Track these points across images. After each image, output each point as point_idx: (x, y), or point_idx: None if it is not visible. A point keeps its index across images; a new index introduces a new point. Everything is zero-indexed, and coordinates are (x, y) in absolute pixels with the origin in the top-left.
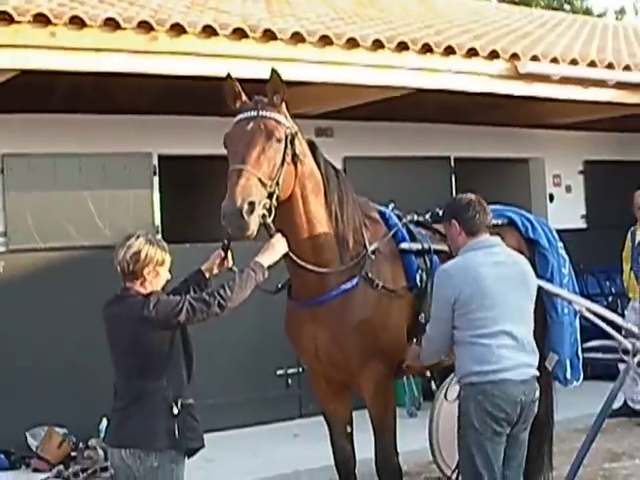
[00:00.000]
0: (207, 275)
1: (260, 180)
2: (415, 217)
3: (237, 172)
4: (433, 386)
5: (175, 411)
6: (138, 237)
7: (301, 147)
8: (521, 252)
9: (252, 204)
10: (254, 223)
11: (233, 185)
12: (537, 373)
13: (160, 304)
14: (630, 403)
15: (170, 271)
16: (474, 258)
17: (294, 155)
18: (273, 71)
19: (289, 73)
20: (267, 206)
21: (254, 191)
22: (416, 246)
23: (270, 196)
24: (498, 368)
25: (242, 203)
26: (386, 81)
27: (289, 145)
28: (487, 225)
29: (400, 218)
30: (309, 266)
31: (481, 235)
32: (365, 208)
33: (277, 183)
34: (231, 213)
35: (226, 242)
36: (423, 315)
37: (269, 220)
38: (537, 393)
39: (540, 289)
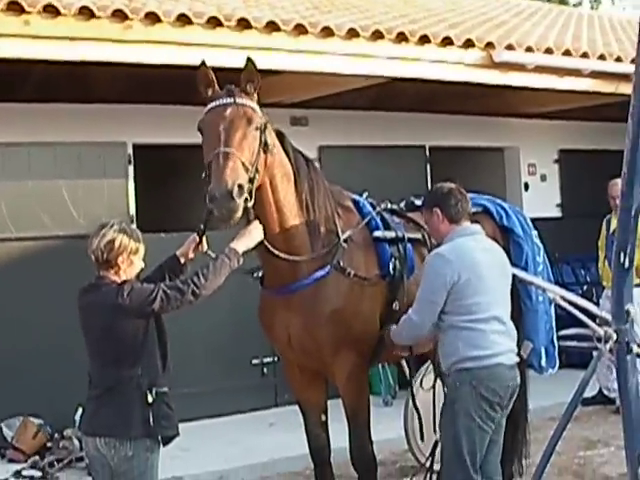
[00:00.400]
0: (182, 260)
1: (243, 164)
2: (389, 205)
3: (223, 155)
4: (407, 374)
5: (150, 399)
6: (112, 226)
7: (271, 137)
8: (496, 240)
9: (241, 187)
10: (241, 206)
11: (221, 167)
12: (518, 359)
13: (134, 292)
14: (605, 391)
15: (144, 260)
16: (466, 243)
17: (265, 144)
18: (248, 60)
19: (264, 62)
20: (249, 190)
21: (241, 174)
22: (390, 234)
23: (251, 181)
24: (493, 353)
25: (232, 185)
26: (361, 70)
27: (262, 134)
28: (468, 213)
29: (374, 206)
30: (281, 254)
31: (463, 223)
32: (338, 197)
33: (256, 169)
34: (222, 195)
35: (202, 227)
36: (397, 303)
37: (250, 204)
38: (519, 378)
39: (514, 277)
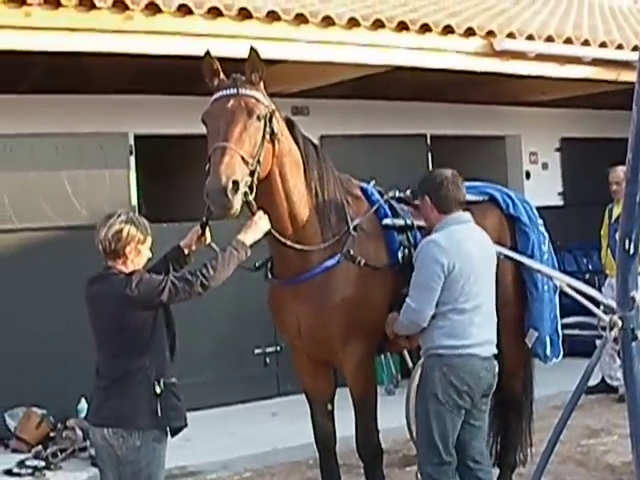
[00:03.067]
0: (186, 251)
1: (243, 158)
2: (397, 193)
3: (221, 150)
4: (410, 364)
5: (158, 390)
6: (119, 216)
7: (279, 125)
8: (502, 229)
9: (236, 183)
10: (238, 202)
11: (217, 163)
12: (496, 350)
13: (142, 283)
14: (608, 380)
15: (151, 249)
16: (458, 232)
17: (272, 133)
18: (252, 49)
19: (265, 51)
20: (249, 184)
21: (237, 169)
22: (399, 222)
23: (252, 174)
24: (467, 343)
25: (227, 182)
26: (362, 59)
27: (267, 123)
28: (460, 202)
29: (382, 194)
30: (292, 244)
31: (454, 212)
32: (347, 185)
33: (258, 161)
34: (215, 191)
35: (204, 219)
36: (406, 290)
37: (251, 198)
38: (497, 369)
39: (521, 265)
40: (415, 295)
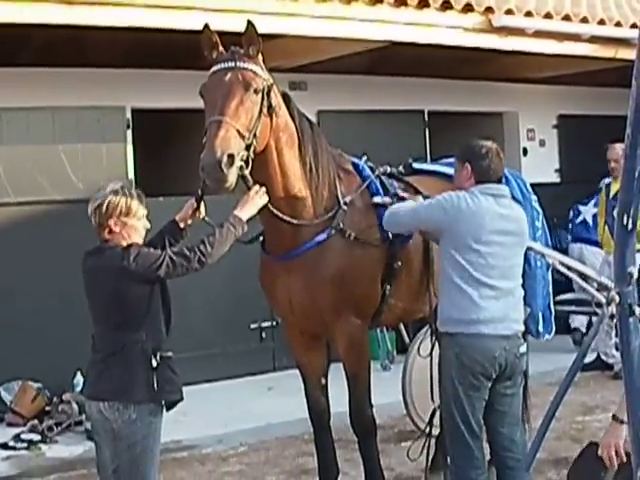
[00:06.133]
0: (182, 225)
1: (239, 131)
2: (388, 169)
3: (216, 123)
4: (406, 339)
5: (154, 364)
6: (105, 189)
7: (277, 99)
8: None
9: (231, 156)
10: (233, 175)
11: (212, 137)
12: (522, 328)
13: (140, 257)
14: (603, 357)
15: (149, 221)
16: (481, 203)
17: (270, 107)
18: (249, 23)
19: (262, 26)
20: (244, 158)
21: (233, 143)
22: (389, 200)
23: (248, 148)
24: (475, 319)
25: (221, 155)
26: (360, 34)
27: (265, 97)
28: (498, 177)
29: (373, 170)
30: (286, 217)
31: (489, 184)
32: (339, 160)
33: (254, 135)
34: (210, 165)
35: (199, 192)
36: (399, 263)
37: (246, 172)
38: (522, 348)
39: None
40: (408, 210)
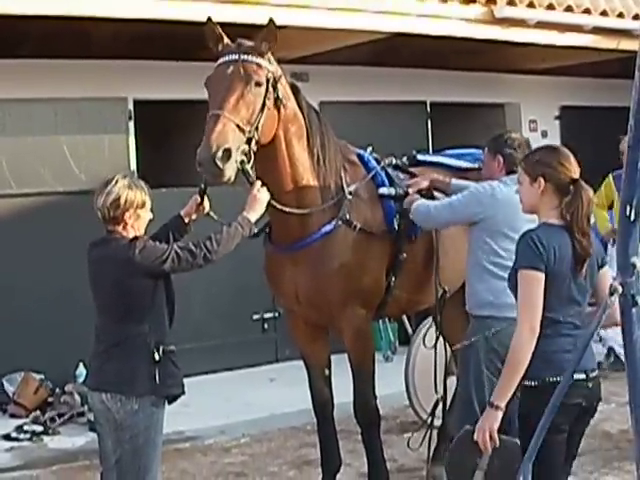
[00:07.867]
0: (186, 220)
1: (238, 126)
2: (393, 160)
3: (214, 118)
4: (409, 330)
5: (157, 357)
6: (117, 182)
7: (284, 91)
8: None
9: (228, 151)
10: (230, 169)
11: (209, 131)
12: None
13: (146, 250)
14: (617, 348)
15: (152, 211)
16: (511, 193)
17: (277, 99)
18: (270, 20)
19: (264, 17)
20: (245, 151)
21: (230, 137)
22: (394, 191)
23: (249, 141)
24: (511, 302)
25: (216, 150)
26: (362, 25)
27: (271, 89)
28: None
29: (378, 161)
30: (291, 210)
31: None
32: (344, 151)
33: (257, 128)
34: (206, 160)
35: (202, 187)
36: (404, 255)
37: (248, 166)
38: None
39: None
40: (445, 204)
